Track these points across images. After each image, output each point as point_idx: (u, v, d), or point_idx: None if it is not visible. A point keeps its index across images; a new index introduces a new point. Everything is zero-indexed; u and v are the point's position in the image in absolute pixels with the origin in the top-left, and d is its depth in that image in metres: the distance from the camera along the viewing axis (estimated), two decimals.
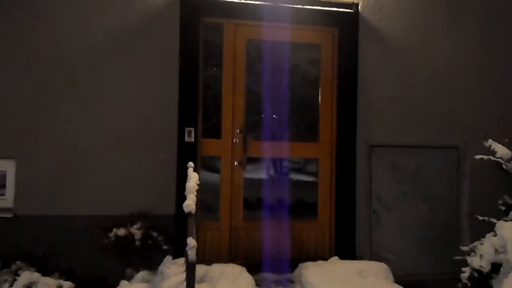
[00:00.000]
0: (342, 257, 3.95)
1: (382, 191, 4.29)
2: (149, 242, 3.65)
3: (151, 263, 3.62)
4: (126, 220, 3.69)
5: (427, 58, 4.39)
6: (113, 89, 3.84)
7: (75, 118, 3.77)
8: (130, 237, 3.62)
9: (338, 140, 4.24)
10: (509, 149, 3.89)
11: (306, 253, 4.16)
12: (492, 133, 4.07)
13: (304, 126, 4.68)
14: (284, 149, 4.37)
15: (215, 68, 4.25)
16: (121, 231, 3.63)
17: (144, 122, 3.87)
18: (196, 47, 3.98)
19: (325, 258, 3.94)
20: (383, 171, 4.30)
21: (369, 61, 4.26)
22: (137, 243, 3.61)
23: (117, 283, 3.45)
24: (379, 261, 3.89)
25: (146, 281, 3.45)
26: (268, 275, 3.78)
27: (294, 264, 3.85)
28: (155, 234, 3.67)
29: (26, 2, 3.73)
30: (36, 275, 3.35)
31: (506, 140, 3.93)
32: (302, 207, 4.78)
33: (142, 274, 3.53)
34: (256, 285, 3.38)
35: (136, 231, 3.64)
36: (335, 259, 3.91)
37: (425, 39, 4.39)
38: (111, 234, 3.63)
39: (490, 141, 3.99)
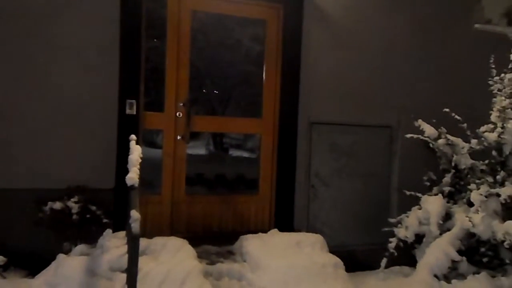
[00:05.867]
0: (281, 229, 4.07)
1: (320, 167, 4.47)
2: (88, 215, 3.56)
3: (90, 236, 3.54)
4: (62, 194, 3.56)
5: (367, 38, 4.52)
6: (49, 57, 3.63)
7: (7, 88, 3.54)
8: (66, 210, 3.51)
9: (280, 116, 4.32)
10: (436, 129, 4.15)
11: (246, 226, 4.26)
12: (422, 114, 4.28)
13: (248, 102, 4.71)
14: (228, 124, 4.39)
15: (155, 40, 4.12)
16: (57, 205, 3.51)
17: (83, 93, 3.70)
18: (139, 17, 3.84)
19: (265, 231, 4.05)
20: (322, 148, 4.47)
21: (312, 39, 4.33)
22: (75, 216, 3.51)
23: (54, 257, 3.34)
24: (316, 233, 4.06)
25: (85, 254, 3.37)
26: (209, 247, 3.84)
27: (235, 237, 3.93)
28: (93, 207, 3.59)
29: None
30: None
31: (434, 120, 4.17)
32: (242, 183, 4.86)
33: (81, 247, 3.45)
34: (198, 257, 3.42)
35: (73, 204, 3.53)
36: (274, 231, 4.04)
37: (365, 19, 4.50)
38: (46, 208, 3.50)
39: (419, 121, 4.22)
